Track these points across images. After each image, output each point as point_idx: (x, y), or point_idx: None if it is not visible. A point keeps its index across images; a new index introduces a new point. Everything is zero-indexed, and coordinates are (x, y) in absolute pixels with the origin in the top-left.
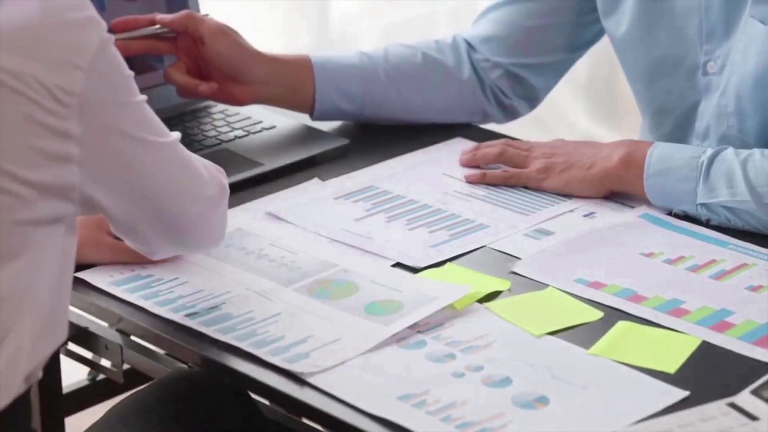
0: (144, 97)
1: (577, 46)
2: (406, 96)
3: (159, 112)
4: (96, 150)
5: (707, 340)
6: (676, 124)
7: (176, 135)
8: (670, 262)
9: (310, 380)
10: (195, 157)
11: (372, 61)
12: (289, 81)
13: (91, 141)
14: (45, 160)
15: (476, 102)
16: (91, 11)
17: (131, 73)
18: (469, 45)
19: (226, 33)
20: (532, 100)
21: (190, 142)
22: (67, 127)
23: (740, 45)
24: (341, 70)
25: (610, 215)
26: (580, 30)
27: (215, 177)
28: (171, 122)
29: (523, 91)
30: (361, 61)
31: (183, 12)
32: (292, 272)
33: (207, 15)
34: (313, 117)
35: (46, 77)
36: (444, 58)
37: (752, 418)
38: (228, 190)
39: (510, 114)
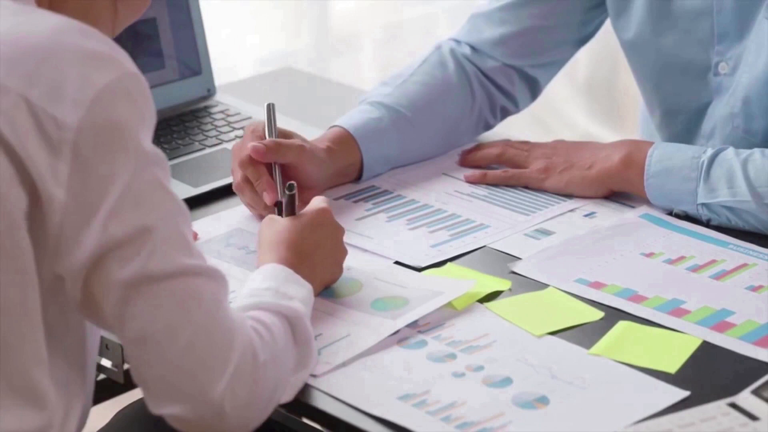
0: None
1: (583, 40)
2: (431, 142)
3: (159, 113)
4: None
5: (707, 340)
6: (686, 124)
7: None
8: (670, 262)
9: (310, 380)
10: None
11: (400, 117)
12: (343, 169)
13: None
14: None
15: (481, 120)
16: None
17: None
18: (476, 51)
19: (310, 153)
20: (534, 97)
21: (190, 142)
22: None
23: (753, 46)
24: (383, 141)
25: (610, 215)
26: (586, 25)
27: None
28: (171, 122)
29: (531, 93)
30: (394, 122)
31: (271, 143)
32: None
33: (287, 133)
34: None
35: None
36: (458, 93)
37: (752, 418)
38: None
39: (507, 116)
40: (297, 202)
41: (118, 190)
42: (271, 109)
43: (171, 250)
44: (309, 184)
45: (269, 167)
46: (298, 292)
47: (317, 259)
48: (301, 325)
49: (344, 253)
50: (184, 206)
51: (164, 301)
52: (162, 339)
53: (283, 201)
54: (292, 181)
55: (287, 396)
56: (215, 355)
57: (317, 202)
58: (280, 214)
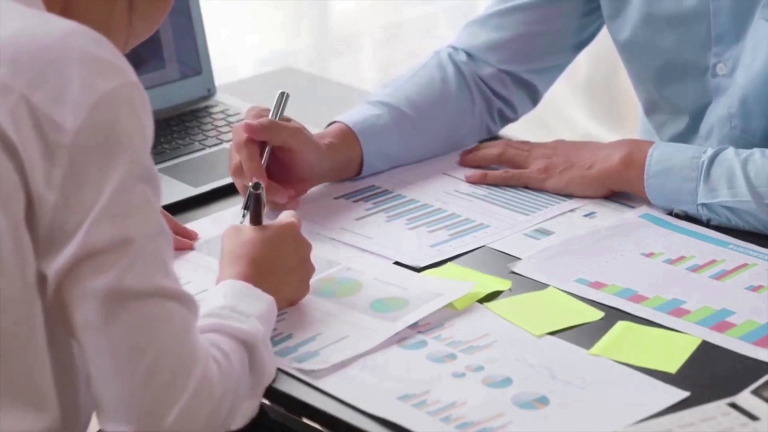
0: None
1: (580, 45)
2: (432, 141)
3: (159, 113)
4: None
5: (707, 340)
6: (686, 125)
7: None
8: (670, 262)
9: (310, 380)
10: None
11: (401, 114)
12: (343, 164)
13: None
14: None
15: (482, 125)
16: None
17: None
18: (471, 56)
19: (306, 139)
20: (534, 103)
21: (190, 142)
22: None
23: (749, 47)
24: (382, 136)
25: (610, 215)
26: (583, 30)
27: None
28: (171, 122)
29: (530, 99)
30: (395, 119)
31: (266, 122)
32: None
33: (289, 120)
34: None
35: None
36: (458, 95)
37: (752, 418)
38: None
39: (507, 122)
40: (264, 203)
41: (106, 196)
42: (282, 97)
43: (148, 268)
44: (304, 174)
45: (263, 152)
46: (256, 308)
47: (280, 276)
48: (257, 352)
49: (311, 270)
50: (169, 230)
51: (134, 320)
52: (125, 358)
53: (248, 201)
54: (258, 180)
55: (237, 424)
56: (173, 383)
57: (285, 215)
58: (246, 208)
